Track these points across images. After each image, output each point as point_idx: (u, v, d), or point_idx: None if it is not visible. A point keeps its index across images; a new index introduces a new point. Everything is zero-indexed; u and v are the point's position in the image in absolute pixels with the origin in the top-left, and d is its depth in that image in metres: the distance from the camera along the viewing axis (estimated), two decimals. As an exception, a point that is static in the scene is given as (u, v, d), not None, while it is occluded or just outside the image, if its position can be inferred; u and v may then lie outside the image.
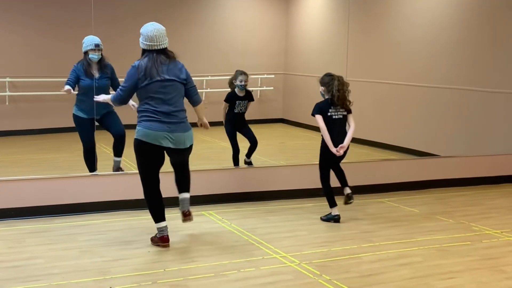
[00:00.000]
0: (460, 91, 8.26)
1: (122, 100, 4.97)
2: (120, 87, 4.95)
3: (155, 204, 4.98)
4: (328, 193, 5.84)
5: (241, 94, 6.97)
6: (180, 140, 4.86)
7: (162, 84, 4.79)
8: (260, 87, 10.38)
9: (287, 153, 8.70)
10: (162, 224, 4.97)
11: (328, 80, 5.69)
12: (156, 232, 5.01)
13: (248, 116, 7.23)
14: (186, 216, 5.10)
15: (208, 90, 9.68)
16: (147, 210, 5.94)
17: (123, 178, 6.26)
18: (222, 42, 10.33)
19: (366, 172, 7.06)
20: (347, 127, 5.78)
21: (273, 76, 10.66)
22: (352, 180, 6.90)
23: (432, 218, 6.06)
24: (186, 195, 5.13)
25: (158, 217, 4.97)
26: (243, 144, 7.11)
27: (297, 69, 10.80)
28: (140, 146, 4.82)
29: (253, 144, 7.10)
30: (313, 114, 5.72)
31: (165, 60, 4.81)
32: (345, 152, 5.77)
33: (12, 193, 5.75)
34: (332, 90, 5.62)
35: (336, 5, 10.12)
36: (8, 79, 8.52)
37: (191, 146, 4.99)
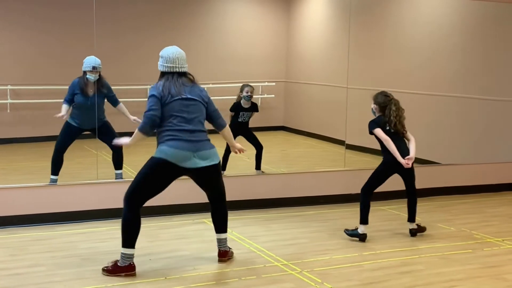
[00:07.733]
0: (462, 99, 8.25)
1: (153, 121, 4.52)
2: (146, 111, 4.55)
3: (134, 227, 4.58)
4: (364, 207, 5.56)
5: (246, 105, 7.13)
6: (207, 156, 4.60)
7: (185, 103, 4.56)
8: (261, 94, 10.37)
9: (288, 161, 8.69)
10: (132, 251, 4.57)
11: (383, 100, 5.51)
12: (117, 259, 4.58)
13: (249, 124, 7.28)
14: (222, 257, 4.86)
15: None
16: (149, 218, 5.97)
17: (124, 186, 6.20)
18: (222, 50, 10.32)
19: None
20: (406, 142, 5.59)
21: (274, 83, 10.66)
22: (353, 188, 6.91)
23: (434, 226, 6.06)
24: (222, 236, 4.89)
25: (131, 242, 4.55)
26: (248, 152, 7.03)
27: (298, 77, 10.80)
28: (161, 164, 4.50)
29: (259, 150, 7.17)
30: (371, 131, 5.49)
31: (187, 82, 4.66)
32: (412, 169, 5.60)
33: (14, 200, 5.76)
34: (389, 115, 5.45)
35: (338, 12, 10.13)
36: (9, 87, 8.52)
37: (219, 164, 4.75)
